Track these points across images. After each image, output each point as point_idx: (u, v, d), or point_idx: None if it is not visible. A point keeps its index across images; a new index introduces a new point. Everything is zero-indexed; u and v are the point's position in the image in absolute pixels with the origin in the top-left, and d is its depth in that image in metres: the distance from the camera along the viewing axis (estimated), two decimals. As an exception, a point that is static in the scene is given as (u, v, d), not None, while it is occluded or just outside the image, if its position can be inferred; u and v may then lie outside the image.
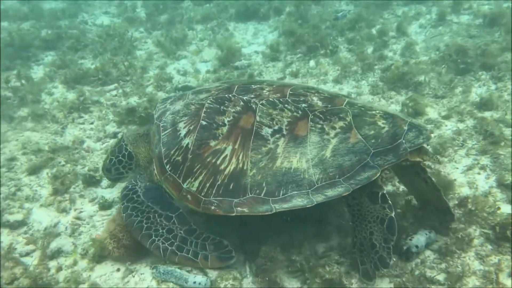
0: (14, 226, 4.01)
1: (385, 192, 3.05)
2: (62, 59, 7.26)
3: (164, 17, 9.39)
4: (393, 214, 2.96)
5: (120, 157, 3.90)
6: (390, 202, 3.01)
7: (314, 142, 3.19)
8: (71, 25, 8.93)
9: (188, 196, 3.27)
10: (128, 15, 9.57)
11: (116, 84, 6.55)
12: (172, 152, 3.46)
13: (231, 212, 3.16)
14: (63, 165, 4.74)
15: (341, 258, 3.19)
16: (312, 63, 6.69)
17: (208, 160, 3.32)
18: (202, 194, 3.24)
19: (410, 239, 3.19)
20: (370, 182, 2.98)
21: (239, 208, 3.14)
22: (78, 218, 4.07)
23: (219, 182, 3.22)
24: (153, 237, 3.29)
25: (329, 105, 3.32)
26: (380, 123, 3.19)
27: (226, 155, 3.28)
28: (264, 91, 3.53)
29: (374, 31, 7.47)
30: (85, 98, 5.96)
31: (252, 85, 3.66)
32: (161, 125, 3.62)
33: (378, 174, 2.98)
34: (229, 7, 9.40)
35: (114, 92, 6.37)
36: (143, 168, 3.87)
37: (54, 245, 3.67)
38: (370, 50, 6.86)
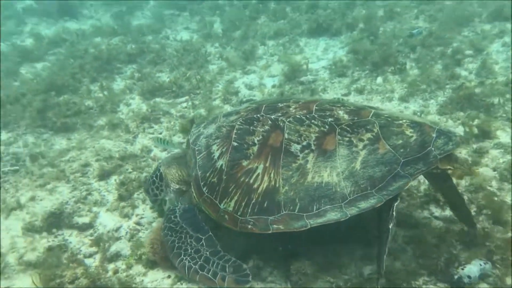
0: (82, 228, 4.34)
1: (397, 203, 3.06)
2: (141, 72, 7.80)
3: (239, 33, 9.70)
4: (390, 226, 2.96)
5: (154, 178, 4.11)
6: (393, 213, 3.01)
7: (343, 155, 3.24)
8: (154, 40, 9.57)
9: (226, 216, 3.38)
10: (206, 31, 10.03)
11: (187, 97, 6.90)
12: (207, 174, 3.59)
13: (267, 230, 3.23)
14: (130, 172, 5.07)
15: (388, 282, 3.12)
16: (379, 80, 6.54)
17: (242, 179, 3.42)
18: (239, 213, 3.34)
19: (462, 268, 3.04)
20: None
21: (274, 226, 3.21)
22: (138, 223, 4.33)
23: (253, 201, 3.31)
24: (182, 256, 3.42)
25: (356, 118, 3.38)
26: (408, 132, 3.21)
27: (258, 174, 3.37)
28: (291, 109, 3.62)
29: (449, 49, 7.12)
30: (157, 109, 6.36)
31: (279, 104, 3.76)
32: (196, 148, 3.78)
33: (410, 183, 3.02)
34: (302, 23, 9.50)
35: (184, 104, 6.71)
36: (172, 190, 4.04)
37: (114, 248, 3.94)
38: (442, 68, 6.55)
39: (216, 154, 3.64)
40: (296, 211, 3.17)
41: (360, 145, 3.22)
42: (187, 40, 9.26)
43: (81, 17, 10.75)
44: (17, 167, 5.45)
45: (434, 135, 3.15)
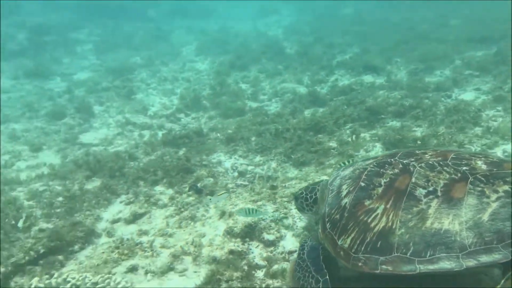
0: (267, 243, 5.00)
1: None
2: (400, 125, 7.85)
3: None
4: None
5: (307, 196, 4.49)
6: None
7: (471, 204, 3.09)
8: (432, 97, 9.25)
9: (341, 252, 3.45)
10: (498, 93, 8.93)
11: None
12: (332, 211, 3.73)
13: (376, 270, 3.22)
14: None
15: None
16: None
17: (361, 218, 3.45)
18: (352, 250, 3.38)
19: None
20: None
21: (383, 266, 3.19)
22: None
23: (368, 240, 3.32)
24: None
25: (495, 169, 3.24)
26: None
27: (378, 214, 3.36)
28: (426, 155, 3.54)
29: None
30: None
31: (417, 151, 3.67)
32: (330, 188, 3.97)
33: None
34: None
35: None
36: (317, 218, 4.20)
37: (277, 267, 4.42)
38: None
39: (344, 192, 3.76)
40: (408, 254, 3.10)
41: (493, 196, 3.06)
42: (467, 101, 8.55)
43: (382, 71, 11.57)
44: (247, 183, 6.67)
45: None
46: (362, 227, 3.43)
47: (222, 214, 5.81)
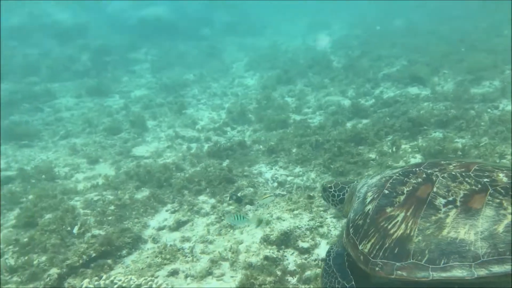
0: (302, 251, 5.19)
1: None
2: (434, 137, 7.74)
3: None
4: None
5: (335, 193, 4.69)
6: None
7: (488, 215, 3.15)
8: (479, 108, 9.02)
9: (361, 257, 3.60)
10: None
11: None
12: (356, 217, 3.89)
13: (391, 275, 3.34)
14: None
15: None
16: None
17: (381, 224, 3.59)
18: (371, 255, 3.52)
19: None
20: None
21: (399, 272, 3.31)
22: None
23: (386, 246, 3.46)
24: None
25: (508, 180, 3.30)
26: None
27: (398, 221, 3.48)
28: (450, 166, 3.62)
29: None
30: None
31: (442, 161, 3.76)
32: (357, 195, 4.13)
33: None
34: None
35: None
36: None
37: (309, 273, 4.66)
38: None
39: (368, 199, 3.91)
40: (423, 261, 3.20)
41: (510, 208, 3.11)
42: (517, 112, 8.26)
43: (428, 83, 11.39)
44: (285, 193, 6.86)
45: None
46: (382, 233, 3.55)
47: (260, 222, 6.03)
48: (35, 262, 5.59)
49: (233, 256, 5.33)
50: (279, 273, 4.78)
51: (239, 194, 6.87)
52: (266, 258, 5.13)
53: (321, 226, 5.60)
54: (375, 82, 11.96)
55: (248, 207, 6.60)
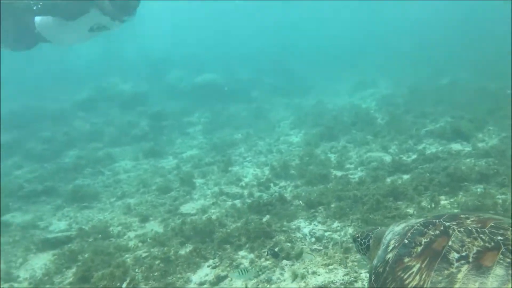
0: None
1: None
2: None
3: None
4: None
5: (361, 242, 4.68)
6: None
7: (498, 274, 3.18)
8: None
9: None
10: None
11: None
12: (378, 264, 3.97)
13: None
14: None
15: None
16: None
17: (398, 274, 3.67)
18: None
19: None
20: None
21: None
22: None
23: None
24: None
25: None
26: None
27: (413, 272, 3.54)
28: (468, 221, 3.64)
29: None
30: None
31: (462, 215, 3.80)
32: (383, 242, 4.20)
33: None
34: None
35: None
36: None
37: None
38: None
39: (390, 247, 3.99)
40: None
41: None
42: None
43: (471, 139, 11.24)
44: (321, 248, 6.97)
45: None
46: (398, 283, 3.62)
47: (295, 277, 6.18)
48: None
49: (268, 309, 5.49)
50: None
51: (276, 249, 7.06)
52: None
53: (356, 281, 5.66)
54: (417, 138, 11.95)
55: (284, 261, 6.76)
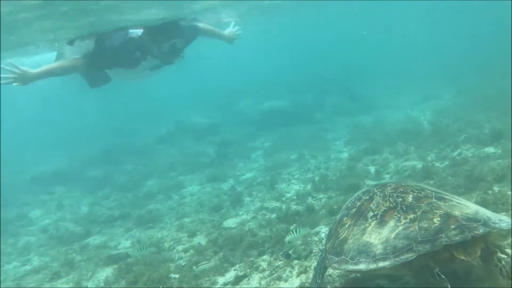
0: None
1: (437, 270, 3.91)
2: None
3: None
4: (449, 286, 3.81)
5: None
6: (443, 277, 3.84)
7: (390, 226, 4.29)
8: None
9: (324, 253, 5.20)
10: None
11: None
12: (332, 224, 5.60)
13: (330, 266, 4.80)
14: None
15: None
16: None
17: (337, 230, 5.01)
18: (327, 252, 4.95)
19: None
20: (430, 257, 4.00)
21: (334, 264, 4.63)
22: None
23: (334, 245, 4.81)
24: None
25: (414, 202, 4.42)
26: (435, 219, 4.10)
27: (345, 228, 4.80)
28: (388, 188, 4.84)
29: None
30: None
31: (389, 183, 5.04)
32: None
33: (414, 257, 3.92)
34: None
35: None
36: None
37: None
38: None
39: (340, 210, 5.41)
40: (348, 258, 4.41)
41: (403, 221, 4.25)
42: None
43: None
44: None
45: (452, 227, 3.94)
46: (335, 236, 4.90)
47: (299, 273, 6.91)
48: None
49: (270, 301, 6.29)
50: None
51: (290, 252, 7.79)
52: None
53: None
54: (455, 145, 11.88)
55: (295, 261, 7.47)
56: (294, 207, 10.92)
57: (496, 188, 7.89)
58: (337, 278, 6.02)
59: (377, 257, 4.08)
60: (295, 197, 11.78)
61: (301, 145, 18.78)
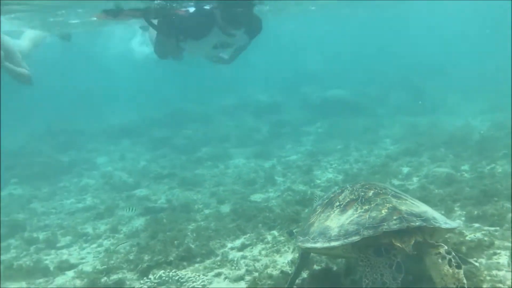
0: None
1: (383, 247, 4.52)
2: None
3: None
4: (399, 259, 4.42)
5: None
6: (394, 251, 4.46)
7: (348, 213, 5.00)
8: None
9: (297, 235, 5.97)
10: None
11: None
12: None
13: (298, 244, 5.53)
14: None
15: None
16: None
17: (310, 216, 5.90)
18: (298, 233, 5.92)
19: None
20: (374, 241, 4.60)
21: (299, 243, 5.45)
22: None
23: (305, 227, 5.62)
24: None
25: (373, 196, 5.09)
26: (383, 211, 4.75)
27: (316, 215, 5.58)
28: (358, 184, 5.54)
29: None
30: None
31: (360, 181, 5.75)
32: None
33: (359, 239, 4.58)
34: None
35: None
36: None
37: None
38: None
39: (317, 203, 6.28)
40: (310, 238, 5.15)
41: (359, 211, 4.93)
42: None
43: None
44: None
45: (394, 217, 4.59)
46: (307, 221, 5.76)
47: (294, 250, 7.65)
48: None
49: (261, 269, 7.14)
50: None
51: (294, 230, 8.51)
52: (282, 272, 6.85)
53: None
54: (492, 159, 11.68)
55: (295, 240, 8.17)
56: (318, 193, 11.48)
57: (507, 205, 7.94)
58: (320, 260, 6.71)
59: (331, 238, 4.78)
60: (323, 184, 12.33)
61: (351, 137, 19.02)
